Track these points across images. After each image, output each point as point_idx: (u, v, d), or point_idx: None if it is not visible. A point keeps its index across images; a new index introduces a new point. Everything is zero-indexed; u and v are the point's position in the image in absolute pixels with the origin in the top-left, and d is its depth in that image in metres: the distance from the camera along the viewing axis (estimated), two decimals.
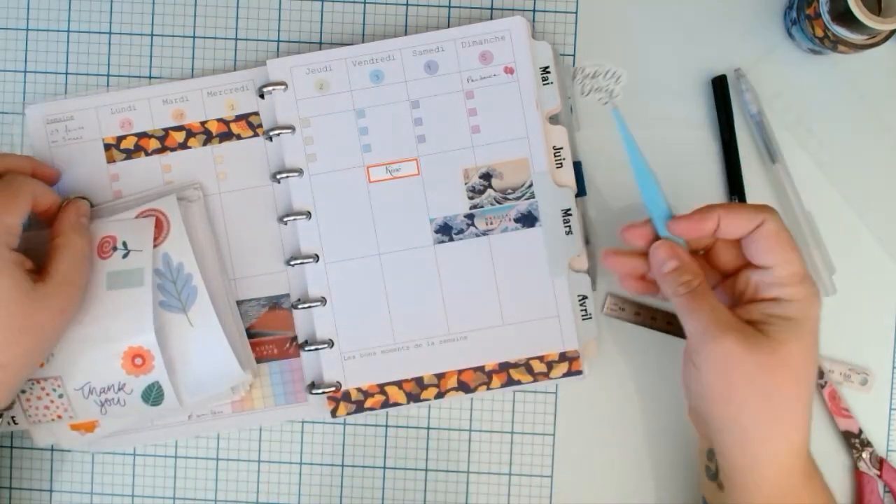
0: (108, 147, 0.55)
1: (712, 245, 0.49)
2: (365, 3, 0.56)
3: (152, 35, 0.56)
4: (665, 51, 0.55)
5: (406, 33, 0.55)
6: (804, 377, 0.44)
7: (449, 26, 0.55)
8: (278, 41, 0.56)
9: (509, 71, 0.53)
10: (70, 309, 0.48)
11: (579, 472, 0.55)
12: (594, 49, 0.55)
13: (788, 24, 0.54)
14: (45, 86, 0.56)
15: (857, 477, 0.54)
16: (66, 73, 0.56)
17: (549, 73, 0.54)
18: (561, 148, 0.54)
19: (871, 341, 0.55)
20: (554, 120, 0.54)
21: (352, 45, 0.54)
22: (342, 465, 0.55)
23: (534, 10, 0.55)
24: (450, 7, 0.56)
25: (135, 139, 0.55)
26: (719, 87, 0.54)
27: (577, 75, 0.53)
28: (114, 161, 0.55)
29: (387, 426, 0.55)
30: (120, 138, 0.55)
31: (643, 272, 0.49)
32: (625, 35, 0.55)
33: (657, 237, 0.47)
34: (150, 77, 0.56)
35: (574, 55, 0.55)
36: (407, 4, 0.56)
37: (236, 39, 0.56)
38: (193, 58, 0.56)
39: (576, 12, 0.56)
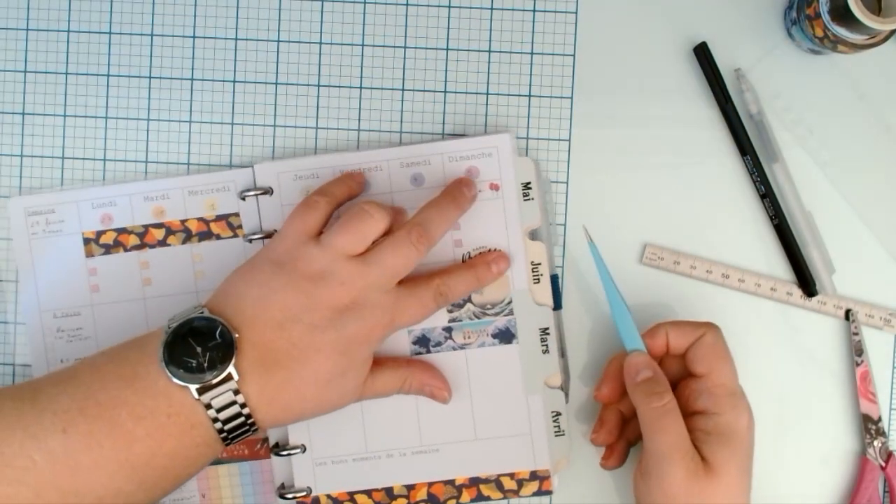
0: (87, 241, 0.54)
1: (661, 361, 0.50)
2: (365, 3, 0.56)
3: (152, 35, 0.56)
4: (665, 51, 0.55)
5: (406, 34, 0.56)
6: (741, 495, 0.46)
7: (448, 26, 0.55)
8: (278, 41, 0.56)
9: (494, 187, 0.53)
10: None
11: None
12: (593, 50, 0.55)
13: (788, 24, 0.54)
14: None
15: (862, 463, 0.54)
16: (66, 73, 0.56)
17: (530, 188, 0.53)
18: (539, 263, 0.53)
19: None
20: (533, 235, 0.54)
21: (344, 152, 0.54)
22: None
23: (534, 10, 0.55)
24: (450, 7, 0.56)
25: (114, 234, 0.54)
26: (703, 54, 0.54)
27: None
28: (92, 255, 0.54)
29: None
30: (100, 233, 0.54)
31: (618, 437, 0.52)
32: (624, 36, 0.55)
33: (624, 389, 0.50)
34: (150, 77, 0.56)
35: (574, 55, 0.55)
36: (407, 4, 0.56)
37: (236, 39, 0.56)
38: (192, 66, 0.56)
39: (576, 12, 0.56)
